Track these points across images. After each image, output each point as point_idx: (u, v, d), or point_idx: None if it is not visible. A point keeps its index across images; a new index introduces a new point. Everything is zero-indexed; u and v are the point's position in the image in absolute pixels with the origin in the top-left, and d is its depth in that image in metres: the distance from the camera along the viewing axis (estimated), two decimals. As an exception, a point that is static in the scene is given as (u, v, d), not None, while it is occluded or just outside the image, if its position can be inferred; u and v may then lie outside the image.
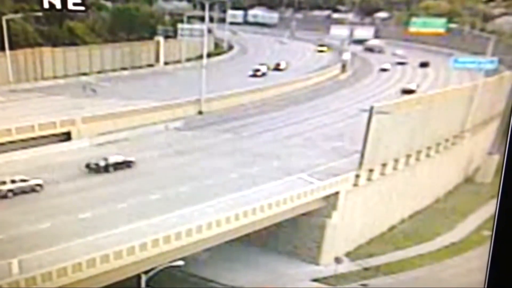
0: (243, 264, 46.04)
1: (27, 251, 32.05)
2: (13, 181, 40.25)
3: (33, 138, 48.35)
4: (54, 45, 63.16)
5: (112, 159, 45.72)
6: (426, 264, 48.35)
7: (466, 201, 57.34)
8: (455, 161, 58.98)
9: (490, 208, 52.28)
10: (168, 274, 37.23)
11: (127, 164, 46.18)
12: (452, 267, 47.90)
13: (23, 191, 40.25)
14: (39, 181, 41.31)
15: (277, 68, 73.33)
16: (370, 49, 78.94)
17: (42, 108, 54.43)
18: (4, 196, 39.74)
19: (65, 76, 63.84)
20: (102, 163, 45.22)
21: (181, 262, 36.14)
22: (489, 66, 54.49)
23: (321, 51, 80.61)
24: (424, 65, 74.18)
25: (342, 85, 71.59)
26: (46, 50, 62.35)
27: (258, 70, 70.69)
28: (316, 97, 67.18)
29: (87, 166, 45.20)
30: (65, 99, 56.98)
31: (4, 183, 40.06)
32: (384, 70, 74.80)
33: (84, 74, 64.56)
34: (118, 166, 45.80)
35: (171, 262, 35.79)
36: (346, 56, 74.31)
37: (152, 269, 34.88)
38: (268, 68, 71.87)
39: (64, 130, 50.61)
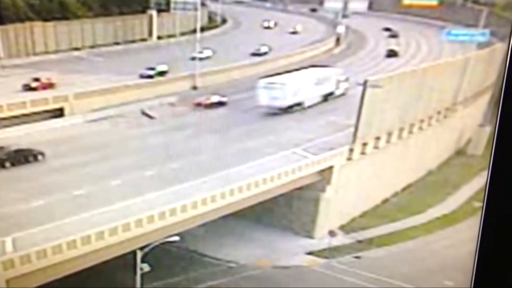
0: (238, 239, 46.42)
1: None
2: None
3: (25, 115, 48.05)
4: (45, 19, 62.24)
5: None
6: (419, 236, 48.82)
7: (457, 173, 57.70)
8: (447, 133, 59.33)
9: (481, 180, 52.63)
10: (163, 249, 37.36)
11: None
12: (444, 238, 48.45)
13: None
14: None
15: None
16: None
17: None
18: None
19: (57, 51, 63.15)
20: None
21: (176, 238, 36.40)
22: (481, 39, 54.37)
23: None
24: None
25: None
26: (37, 25, 61.36)
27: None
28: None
29: None
30: (57, 74, 56.24)
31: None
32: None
33: (76, 49, 64.08)
34: None
35: (166, 237, 36.00)
36: (340, 29, 73.85)
37: (147, 245, 35.06)
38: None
39: (57, 106, 50.37)
